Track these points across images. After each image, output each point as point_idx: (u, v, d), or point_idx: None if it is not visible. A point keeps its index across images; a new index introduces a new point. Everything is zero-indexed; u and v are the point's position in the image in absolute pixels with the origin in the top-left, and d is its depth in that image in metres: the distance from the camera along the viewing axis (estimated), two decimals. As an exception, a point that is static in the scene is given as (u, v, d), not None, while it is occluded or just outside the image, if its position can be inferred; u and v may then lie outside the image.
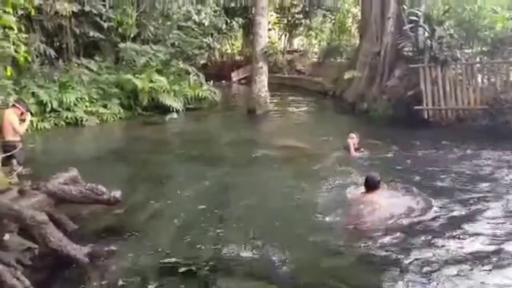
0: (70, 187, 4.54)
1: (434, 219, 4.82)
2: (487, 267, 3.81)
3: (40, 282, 3.62)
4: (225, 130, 11.37)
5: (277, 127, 11.63)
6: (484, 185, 5.95)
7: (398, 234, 4.47)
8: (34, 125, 10.99)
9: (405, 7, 12.18)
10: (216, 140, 10.15)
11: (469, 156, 7.56)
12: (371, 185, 5.07)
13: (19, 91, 11.03)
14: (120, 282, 3.67)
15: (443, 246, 4.22)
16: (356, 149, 7.83)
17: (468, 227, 4.62)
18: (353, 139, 7.82)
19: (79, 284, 3.71)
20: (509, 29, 10.48)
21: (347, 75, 14.75)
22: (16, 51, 9.89)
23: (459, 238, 4.40)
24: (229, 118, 14.14)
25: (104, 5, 13.98)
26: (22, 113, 6.86)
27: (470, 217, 4.88)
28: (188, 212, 5.22)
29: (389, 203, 5.07)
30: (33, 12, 10.85)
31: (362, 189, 5.23)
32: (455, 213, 5.00)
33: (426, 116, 10.39)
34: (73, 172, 4.97)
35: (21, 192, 4.30)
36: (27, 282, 3.47)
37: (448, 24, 10.83)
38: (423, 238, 4.40)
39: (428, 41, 10.65)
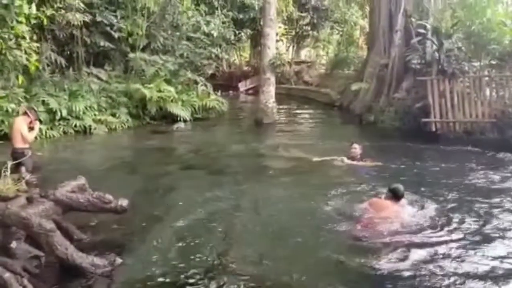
0: (78, 195, 4.56)
1: (451, 232, 4.81)
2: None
3: (45, 290, 3.64)
4: (232, 141, 11.39)
5: (283, 138, 11.63)
6: (496, 199, 5.89)
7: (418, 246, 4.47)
8: (43, 133, 11.10)
9: (413, 19, 12.24)
10: (222, 150, 10.18)
11: (478, 169, 7.49)
12: (396, 196, 5.17)
13: (29, 99, 11.17)
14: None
15: (463, 259, 4.20)
16: (360, 160, 7.81)
17: (486, 242, 4.59)
18: (356, 149, 7.83)
19: (85, 293, 3.72)
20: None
21: (354, 87, 14.79)
22: (27, 60, 10.07)
23: (477, 253, 4.35)
24: (236, 129, 14.19)
25: (115, 16, 14.20)
26: (31, 121, 6.95)
27: (486, 231, 4.85)
28: (195, 223, 5.21)
29: (411, 214, 5.18)
30: (45, 22, 11.06)
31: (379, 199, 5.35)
32: (469, 226, 4.99)
33: (433, 129, 10.35)
34: (81, 181, 5.00)
35: (29, 200, 4.32)
36: (33, 290, 3.49)
37: (456, 37, 10.83)
38: (442, 251, 4.38)
39: (436, 54, 10.65)
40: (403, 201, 5.28)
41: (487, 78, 10.42)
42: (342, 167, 7.72)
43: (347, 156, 7.88)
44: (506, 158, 7.94)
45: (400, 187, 5.28)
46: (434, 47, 10.86)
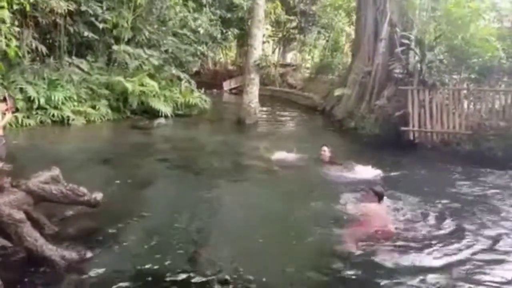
0: (51, 186, 4.47)
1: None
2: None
3: (12, 282, 3.54)
4: (213, 139, 11.35)
5: (264, 139, 11.65)
6: (470, 207, 6.10)
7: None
8: (19, 121, 10.85)
9: (398, 29, 12.42)
10: (202, 148, 10.13)
11: (454, 179, 7.69)
12: (381, 196, 5.59)
13: (7, 86, 10.90)
14: (95, 286, 3.61)
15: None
16: (331, 162, 7.96)
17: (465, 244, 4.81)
18: (325, 152, 8.04)
19: (53, 286, 3.65)
20: (497, 58, 10.73)
21: (337, 92, 14.93)
22: (7, 45, 9.83)
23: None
24: (217, 127, 14.14)
25: (100, 6, 13.97)
26: (7, 109, 6.79)
27: (462, 232, 5.11)
28: (167, 219, 5.19)
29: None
30: (28, 8, 10.82)
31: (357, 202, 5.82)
32: (446, 222, 5.36)
33: (412, 138, 10.52)
34: (55, 171, 4.91)
35: (0, 189, 4.22)
36: (-1, 281, 3.40)
37: (438, 49, 11.04)
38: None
39: (418, 65, 10.84)
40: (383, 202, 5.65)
41: (465, 91, 10.66)
42: (315, 169, 7.86)
43: (317, 157, 8.10)
44: (479, 170, 8.13)
45: (381, 189, 5.72)
46: (417, 58, 11.05)
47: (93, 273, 3.80)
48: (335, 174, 7.59)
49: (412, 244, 4.73)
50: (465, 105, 10.51)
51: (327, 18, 26.40)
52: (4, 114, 6.77)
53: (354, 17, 19.74)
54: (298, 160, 8.38)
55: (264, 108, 16.66)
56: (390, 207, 5.77)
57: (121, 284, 3.64)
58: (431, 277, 4.03)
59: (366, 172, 7.57)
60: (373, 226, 5.06)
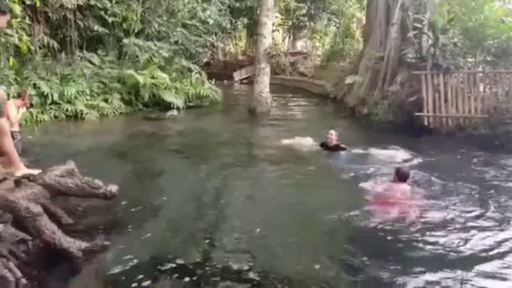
0: (67, 180, 4.51)
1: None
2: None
3: (32, 275, 3.60)
4: (225, 129, 11.35)
5: (276, 128, 11.62)
6: (492, 191, 6.01)
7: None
8: (34, 116, 10.99)
9: (410, 13, 12.18)
10: (215, 138, 10.14)
11: (473, 163, 7.60)
12: (402, 177, 5.72)
13: (20, 82, 11.02)
14: (112, 278, 3.65)
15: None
16: (337, 146, 8.05)
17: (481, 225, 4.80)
18: (332, 136, 8.15)
19: (72, 278, 3.70)
20: (514, 39, 10.47)
21: (348, 80, 14.77)
22: (19, 39, 9.91)
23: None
24: (229, 117, 14.13)
25: (109, 0, 13.98)
26: (22, 104, 6.88)
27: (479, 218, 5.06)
28: (182, 209, 5.22)
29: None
30: (38, 3, 10.87)
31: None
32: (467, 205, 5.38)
33: (426, 123, 10.38)
34: (70, 165, 4.95)
35: (17, 183, 4.27)
36: (19, 274, 3.44)
37: (452, 32, 10.81)
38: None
39: (432, 49, 10.64)
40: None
41: (481, 74, 10.44)
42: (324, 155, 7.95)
43: (323, 142, 8.22)
44: (498, 154, 7.98)
45: (406, 169, 5.94)
46: (430, 41, 10.85)
47: (110, 264, 3.84)
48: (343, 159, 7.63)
49: (438, 229, 4.71)
50: (481, 89, 10.30)
51: (337, 4, 26.06)
52: (20, 108, 6.86)
53: (365, 2, 19.41)
54: (312, 147, 8.41)
55: (276, 97, 16.56)
56: (414, 189, 5.82)
57: (138, 274, 3.67)
58: (454, 261, 4.03)
59: (387, 154, 7.75)
60: (397, 204, 5.28)
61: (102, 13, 13.90)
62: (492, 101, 9.97)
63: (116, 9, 14.02)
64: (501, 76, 10.13)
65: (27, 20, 11.01)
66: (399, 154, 7.80)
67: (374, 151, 8.07)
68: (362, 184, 6.06)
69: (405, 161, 7.50)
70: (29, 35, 11.05)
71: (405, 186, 5.67)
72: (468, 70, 10.54)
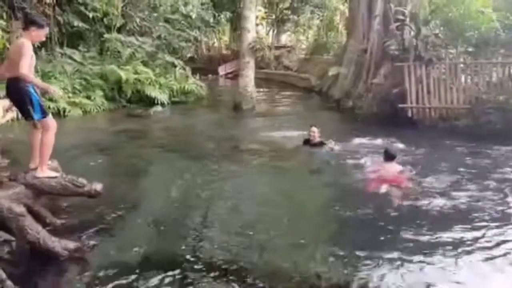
0: (50, 179, 4.44)
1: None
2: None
3: (18, 276, 3.53)
4: (210, 124, 11.30)
5: (261, 123, 11.61)
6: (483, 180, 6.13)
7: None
8: (15, 114, 10.74)
9: (392, 5, 12.27)
10: (200, 134, 10.08)
11: (453, 153, 7.74)
12: (391, 156, 6.15)
13: (-1, 80, 10.76)
14: (99, 276, 3.61)
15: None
16: (321, 143, 8.00)
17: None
18: (314, 133, 8.08)
19: (58, 278, 3.65)
20: (494, 30, 10.62)
21: (331, 72, 14.84)
22: (-5, 37, 9.67)
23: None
24: (214, 112, 14.06)
25: (89, -6, 13.74)
26: (10, 107, 6.70)
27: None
28: (167, 206, 5.19)
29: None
30: (15, -1, 10.62)
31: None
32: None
33: (410, 115, 10.48)
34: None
35: (-1, 183, 4.19)
36: (4, 276, 3.38)
37: (434, 23, 10.92)
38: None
39: (414, 40, 10.73)
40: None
41: (462, 65, 10.58)
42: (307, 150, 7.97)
43: (305, 139, 8.15)
44: (481, 143, 8.12)
45: (394, 148, 6.59)
46: (412, 33, 10.94)
47: (96, 262, 3.80)
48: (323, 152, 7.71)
49: (427, 217, 4.84)
50: (463, 79, 10.44)
51: (320, -3, 26.09)
52: (7, 111, 6.67)
53: (347, -5, 19.47)
54: (296, 140, 8.40)
55: (261, 92, 16.55)
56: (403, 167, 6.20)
57: (124, 272, 3.64)
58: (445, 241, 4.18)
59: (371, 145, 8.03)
60: (388, 179, 5.70)
61: (82, 8, 13.64)
62: (474, 91, 10.11)
63: (96, 4, 13.77)
64: (482, 67, 10.28)
65: (5, 18, 10.75)
66: (382, 144, 7.88)
67: (358, 141, 8.22)
68: (350, 170, 6.25)
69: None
70: (7, 32, 10.79)
71: (394, 164, 6.11)
72: (450, 61, 10.67)
